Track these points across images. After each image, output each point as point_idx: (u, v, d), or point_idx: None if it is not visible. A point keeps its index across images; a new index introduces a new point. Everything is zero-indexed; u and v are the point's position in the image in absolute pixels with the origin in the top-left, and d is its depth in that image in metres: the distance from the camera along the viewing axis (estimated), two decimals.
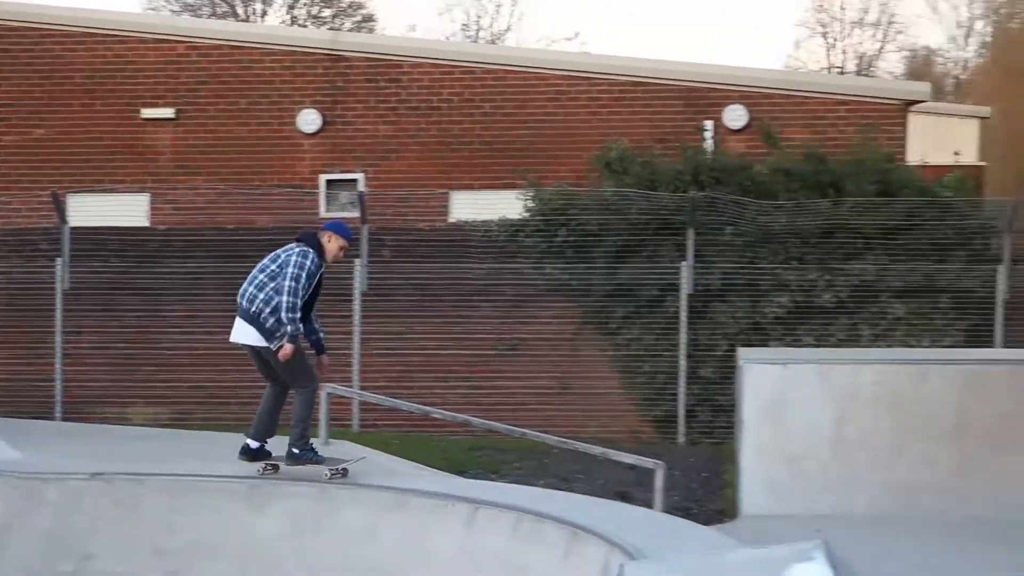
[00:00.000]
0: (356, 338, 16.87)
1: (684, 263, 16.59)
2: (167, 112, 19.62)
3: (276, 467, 10.77)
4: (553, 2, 56.96)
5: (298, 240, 10.54)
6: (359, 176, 19.23)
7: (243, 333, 10.38)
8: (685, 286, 16.55)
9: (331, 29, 39.61)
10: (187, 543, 10.57)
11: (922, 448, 11.64)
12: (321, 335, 10.73)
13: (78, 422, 16.58)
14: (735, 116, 18.73)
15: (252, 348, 10.51)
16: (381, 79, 19.39)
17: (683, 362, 16.62)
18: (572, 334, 17.12)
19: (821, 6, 49.64)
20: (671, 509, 11.57)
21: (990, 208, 17.51)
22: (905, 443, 11.64)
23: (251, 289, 10.34)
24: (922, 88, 20.63)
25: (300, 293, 10.22)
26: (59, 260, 17.37)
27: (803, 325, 16.60)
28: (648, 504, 11.46)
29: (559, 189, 17.52)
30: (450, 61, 19.50)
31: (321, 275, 10.47)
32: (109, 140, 19.63)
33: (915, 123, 20.77)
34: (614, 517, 9.70)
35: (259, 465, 10.77)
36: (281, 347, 10.25)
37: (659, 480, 11.49)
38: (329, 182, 19.36)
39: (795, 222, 16.69)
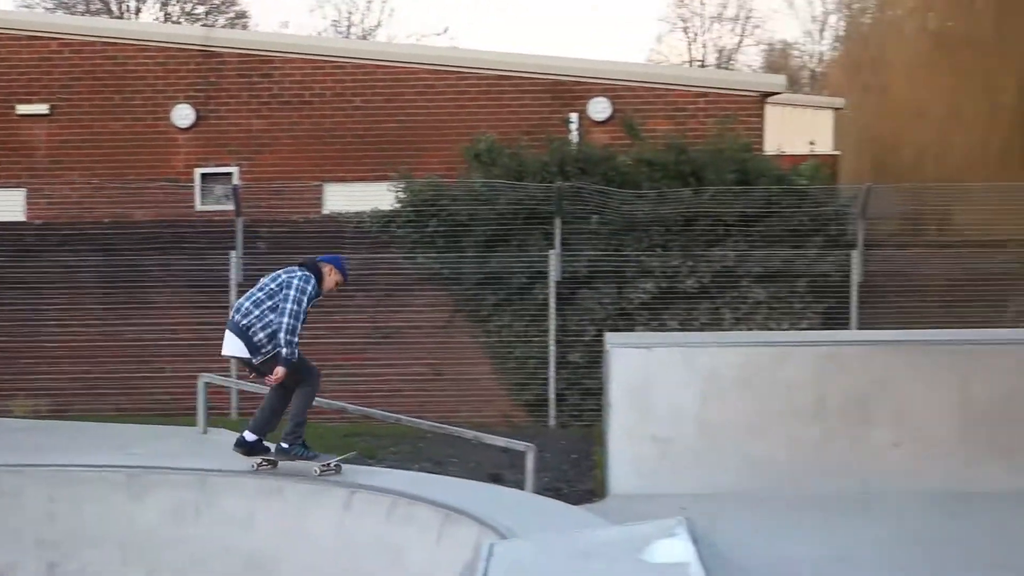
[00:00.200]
0: None
1: (552, 251, 16.68)
2: (41, 108, 19.45)
3: (273, 463, 10.84)
4: None
5: (301, 265, 10.70)
6: (234, 170, 19.25)
7: (232, 346, 10.52)
8: (553, 274, 16.62)
9: (204, 26, 39.34)
10: (68, 533, 10.67)
11: (784, 427, 11.76)
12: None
13: None
14: (599, 108, 18.95)
15: (242, 360, 10.70)
16: (254, 74, 19.43)
17: (553, 347, 16.71)
18: (445, 322, 17.21)
19: (682, 2, 50.56)
20: (542, 490, 11.72)
21: (844, 195, 17.65)
22: (767, 422, 11.76)
23: (247, 304, 10.50)
24: (778, 80, 20.95)
25: (301, 317, 10.40)
26: None
27: (667, 310, 16.73)
28: (520, 486, 11.58)
29: (429, 181, 17.57)
30: (321, 56, 19.56)
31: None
32: None
33: (772, 114, 21.01)
34: (486, 499, 9.97)
35: (255, 460, 10.86)
36: (264, 362, 10.41)
37: (530, 462, 11.54)
38: (204, 176, 19.33)
39: (658, 211, 16.83)
